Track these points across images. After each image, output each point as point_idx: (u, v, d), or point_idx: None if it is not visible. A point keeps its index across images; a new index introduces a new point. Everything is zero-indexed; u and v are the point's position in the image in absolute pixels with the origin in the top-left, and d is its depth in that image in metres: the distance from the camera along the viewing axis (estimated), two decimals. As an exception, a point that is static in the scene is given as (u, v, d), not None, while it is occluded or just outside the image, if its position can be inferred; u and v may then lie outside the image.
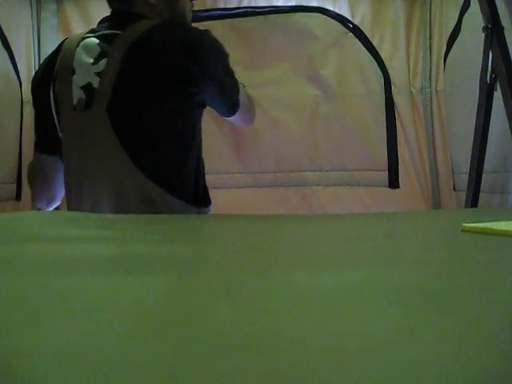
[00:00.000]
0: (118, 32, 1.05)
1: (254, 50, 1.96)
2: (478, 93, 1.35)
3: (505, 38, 1.25)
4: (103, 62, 1.01)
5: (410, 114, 1.96)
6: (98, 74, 1.01)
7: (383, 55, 1.95)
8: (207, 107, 1.18)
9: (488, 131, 1.33)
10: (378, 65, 1.95)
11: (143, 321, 0.20)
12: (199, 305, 0.22)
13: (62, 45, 1.13)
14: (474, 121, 1.36)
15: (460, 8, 1.67)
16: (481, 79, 1.32)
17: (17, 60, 1.75)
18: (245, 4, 1.99)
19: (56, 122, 1.08)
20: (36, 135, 1.19)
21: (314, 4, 1.97)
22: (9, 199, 1.72)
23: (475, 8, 1.40)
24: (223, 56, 1.15)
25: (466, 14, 1.63)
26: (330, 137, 1.96)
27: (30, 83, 1.22)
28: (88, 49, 1.05)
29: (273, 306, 0.22)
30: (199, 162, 1.10)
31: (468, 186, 1.39)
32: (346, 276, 0.28)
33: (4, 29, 1.68)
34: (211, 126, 1.98)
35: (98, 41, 1.07)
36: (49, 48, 1.84)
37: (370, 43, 1.95)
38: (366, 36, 1.95)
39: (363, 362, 0.16)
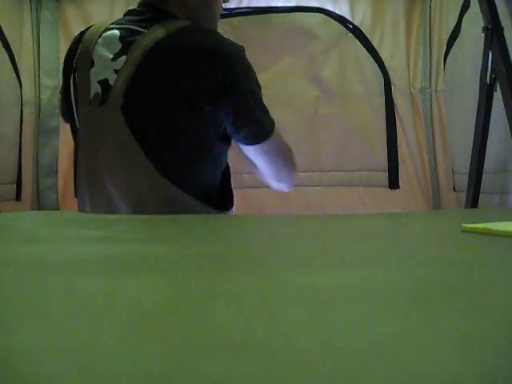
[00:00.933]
0: (143, 30, 1.01)
1: (254, 50, 1.96)
2: (478, 93, 1.35)
3: (504, 39, 1.25)
4: (122, 59, 0.99)
5: (409, 114, 1.96)
6: (116, 72, 0.99)
7: (383, 56, 1.95)
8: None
9: (488, 131, 1.33)
10: (378, 65, 1.95)
11: (143, 321, 0.20)
12: (199, 305, 0.22)
13: (84, 33, 1.09)
14: (474, 121, 1.36)
15: (460, 8, 1.67)
16: (481, 79, 1.32)
17: (17, 60, 1.75)
18: (245, 4, 1.99)
19: (75, 112, 1.06)
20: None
21: (314, 4, 1.97)
22: (9, 199, 1.72)
23: (475, 8, 1.40)
24: (250, 73, 1.07)
25: (466, 15, 1.63)
26: (330, 137, 1.96)
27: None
28: (109, 42, 1.02)
29: (272, 305, 0.22)
30: (218, 164, 1.07)
31: (468, 187, 1.39)
32: (346, 276, 0.28)
33: (4, 29, 1.68)
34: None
35: (119, 35, 1.03)
36: (49, 48, 1.84)
37: (370, 44, 1.95)
38: (365, 36, 1.95)
39: (363, 362, 0.16)
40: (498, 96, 1.28)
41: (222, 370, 0.15)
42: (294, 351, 0.16)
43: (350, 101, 1.97)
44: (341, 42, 1.96)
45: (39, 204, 1.83)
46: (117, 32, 1.03)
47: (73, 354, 0.16)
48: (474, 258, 0.36)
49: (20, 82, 1.77)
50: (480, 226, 0.47)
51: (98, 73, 1.00)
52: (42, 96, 1.83)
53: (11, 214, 0.65)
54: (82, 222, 0.63)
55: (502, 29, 1.26)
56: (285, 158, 1.20)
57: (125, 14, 1.10)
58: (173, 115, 0.98)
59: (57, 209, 1.82)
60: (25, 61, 1.79)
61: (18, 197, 1.77)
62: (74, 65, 1.06)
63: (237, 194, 2.10)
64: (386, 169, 1.98)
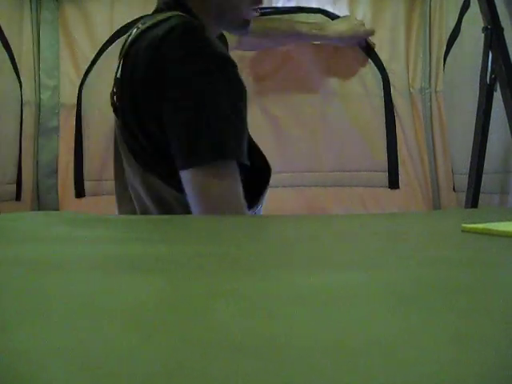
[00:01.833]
0: (139, 26, 0.93)
1: (254, 51, 1.96)
2: (477, 93, 1.35)
3: (504, 39, 1.25)
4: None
5: (409, 114, 1.96)
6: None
7: (382, 56, 1.95)
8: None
9: (488, 132, 1.33)
10: (377, 66, 1.95)
11: (143, 320, 0.20)
12: (199, 305, 0.22)
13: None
14: (474, 121, 1.37)
15: (460, 8, 1.67)
16: (481, 80, 1.32)
17: (17, 60, 1.75)
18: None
19: None
20: None
21: (314, 5, 1.97)
22: (9, 199, 1.72)
23: (475, 8, 1.40)
24: (194, 62, 0.80)
25: (466, 15, 1.63)
26: (329, 138, 1.97)
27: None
28: (124, 41, 0.96)
29: (273, 305, 0.22)
30: None
31: (468, 187, 1.39)
32: (346, 276, 0.28)
33: (4, 29, 1.68)
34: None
35: (133, 31, 0.93)
36: (49, 48, 1.84)
37: (370, 44, 1.95)
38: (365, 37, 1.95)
39: (363, 363, 0.16)
40: (498, 96, 1.28)
41: (222, 369, 0.15)
42: (295, 351, 0.16)
43: (349, 101, 1.97)
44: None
45: (39, 204, 1.83)
46: (134, 30, 0.96)
47: (73, 353, 0.16)
48: (473, 258, 0.36)
49: (20, 82, 1.77)
50: (480, 226, 0.47)
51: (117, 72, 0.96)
52: (42, 96, 1.83)
53: (11, 214, 0.65)
54: (81, 221, 0.63)
55: (502, 29, 1.26)
56: (217, 203, 0.79)
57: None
58: (138, 115, 0.85)
59: (57, 209, 1.82)
60: (25, 61, 1.79)
61: (17, 197, 1.77)
62: None
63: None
64: (386, 169, 1.98)
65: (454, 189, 1.86)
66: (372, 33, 1.83)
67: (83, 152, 1.83)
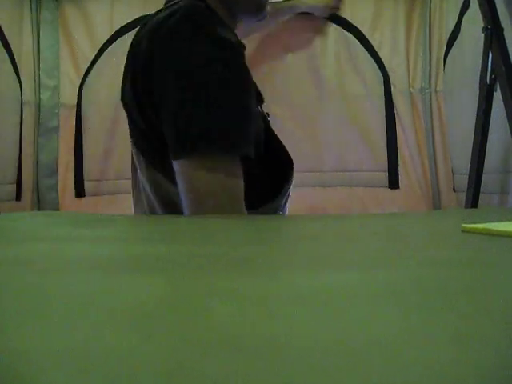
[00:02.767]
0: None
1: (253, 50, 1.97)
2: (478, 93, 1.35)
3: (504, 39, 1.25)
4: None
5: (409, 114, 1.96)
6: None
7: (383, 56, 1.95)
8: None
9: (488, 132, 1.33)
10: (378, 65, 1.95)
11: (143, 320, 0.20)
12: (198, 305, 0.22)
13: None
14: (474, 121, 1.37)
15: (460, 8, 1.67)
16: (481, 80, 1.32)
17: (17, 60, 1.75)
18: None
19: None
20: None
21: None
22: (9, 199, 1.72)
23: (475, 8, 1.40)
24: (176, 58, 0.74)
25: (466, 15, 1.63)
26: (329, 138, 1.97)
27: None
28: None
29: (272, 305, 0.22)
30: None
31: (468, 187, 1.39)
32: (346, 276, 0.28)
33: (4, 29, 1.68)
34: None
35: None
36: (49, 48, 1.84)
37: (370, 44, 1.95)
38: (365, 37, 1.95)
39: (363, 363, 0.16)
40: (498, 96, 1.28)
41: (222, 369, 0.15)
42: (295, 351, 0.16)
43: (349, 101, 1.97)
44: (340, 42, 1.96)
45: (39, 204, 1.83)
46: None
47: (72, 354, 0.16)
48: (473, 258, 0.36)
49: (20, 82, 1.77)
50: (480, 226, 0.47)
51: None
52: (41, 96, 1.83)
53: (11, 214, 0.65)
54: (82, 222, 0.63)
55: (502, 29, 1.26)
56: (208, 206, 0.73)
57: None
58: (139, 108, 0.81)
59: (57, 209, 1.82)
60: (25, 61, 1.79)
61: (18, 197, 1.77)
62: None
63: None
64: (386, 169, 1.98)
65: (454, 189, 1.86)
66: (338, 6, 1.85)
67: (83, 152, 1.83)
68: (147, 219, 0.74)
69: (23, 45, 1.79)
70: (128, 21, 1.79)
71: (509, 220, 0.50)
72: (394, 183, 1.96)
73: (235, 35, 0.83)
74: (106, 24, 1.85)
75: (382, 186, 1.97)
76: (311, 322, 0.19)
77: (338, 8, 1.90)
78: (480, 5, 1.31)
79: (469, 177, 1.39)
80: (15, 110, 1.76)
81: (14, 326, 0.19)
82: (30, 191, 1.82)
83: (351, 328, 0.19)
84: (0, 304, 0.23)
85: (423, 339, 0.17)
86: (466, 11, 1.63)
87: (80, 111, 1.84)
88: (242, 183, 0.76)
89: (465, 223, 0.49)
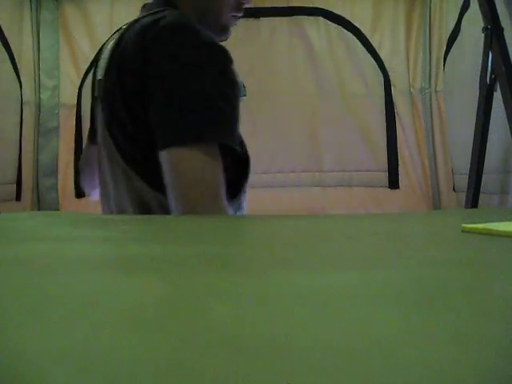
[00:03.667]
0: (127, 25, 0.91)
1: (254, 51, 1.97)
2: (478, 93, 1.35)
3: (504, 39, 1.25)
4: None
5: (409, 114, 1.96)
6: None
7: (383, 56, 1.95)
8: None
9: (488, 131, 1.33)
10: (378, 65, 1.95)
11: (142, 320, 0.20)
12: (198, 305, 0.22)
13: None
14: (474, 121, 1.37)
15: (460, 8, 1.67)
16: (481, 79, 1.32)
17: (17, 60, 1.75)
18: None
19: None
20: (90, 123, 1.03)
21: (315, 5, 1.97)
22: (9, 199, 1.72)
23: (475, 8, 1.40)
24: (171, 53, 0.79)
25: (466, 15, 1.63)
26: (330, 138, 1.97)
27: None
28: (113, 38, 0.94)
29: (272, 305, 0.22)
30: None
31: (468, 187, 1.39)
32: (346, 276, 0.28)
33: (4, 29, 1.68)
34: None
35: (124, 27, 0.92)
36: (49, 48, 1.85)
37: (370, 44, 1.95)
38: (365, 37, 1.95)
39: (363, 363, 0.16)
40: (498, 96, 1.28)
41: (222, 369, 0.15)
42: (295, 351, 0.16)
43: (349, 101, 1.97)
44: (341, 42, 1.97)
45: (39, 204, 1.83)
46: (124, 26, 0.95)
47: (72, 354, 0.16)
48: (473, 258, 0.36)
49: (20, 82, 1.77)
50: (480, 226, 0.47)
51: (99, 72, 0.95)
52: (41, 96, 1.83)
53: (11, 214, 0.65)
54: (81, 221, 0.63)
55: (502, 29, 1.26)
56: (193, 195, 0.75)
57: None
58: (120, 110, 0.82)
59: (57, 209, 1.82)
60: (25, 61, 1.79)
61: (18, 197, 1.77)
62: None
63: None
64: (386, 169, 1.98)
65: (454, 189, 1.86)
66: None
67: (83, 152, 1.83)
68: (146, 219, 0.74)
69: (23, 45, 1.79)
70: (128, 21, 1.79)
71: (509, 220, 0.50)
72: (393, 183, 1.96)
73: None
74: (106, 24, 1.85)
75: (382, 186, 1.97)
76: (311, 322, 0.19)
77: None
78: (480, 5, 1.31)
79: (469, 177, 1.39)
80: (15, 110, 1.76)
81: (14, 326, 0.19)
82: (30, 191, 1.82)
83: (351, 328, 0.19)
84: (0, 304, 0.23)
85: (423, 339, 0.17)
86: (466, 11, 1.63)
87: (80, 111, 1.84)
88: (222, 171, 0.79)
89: (465, 223, 0.49)
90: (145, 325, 0.19)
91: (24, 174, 1.80)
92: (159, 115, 0.78)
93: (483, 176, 1.36)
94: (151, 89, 0.78)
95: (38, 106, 1.83)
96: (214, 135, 0.78)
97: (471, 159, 1.39)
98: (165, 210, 0.81)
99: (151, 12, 0.89)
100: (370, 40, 1.95)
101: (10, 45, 1.71)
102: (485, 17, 1.29)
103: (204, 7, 0.93)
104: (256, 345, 0.17)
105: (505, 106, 1.24)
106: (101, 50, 1.03)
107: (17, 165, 1.78)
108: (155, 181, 0.79)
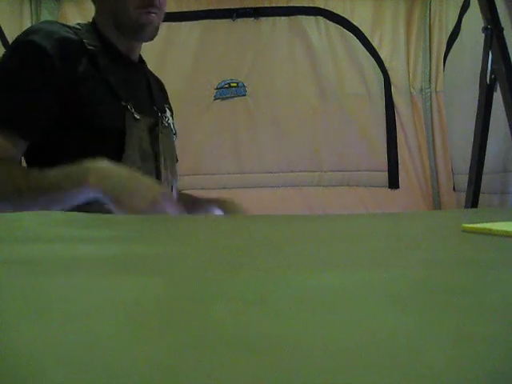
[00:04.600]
0: None
1: (254, 51, 1.97)
2: (478, 93, 1.35)
3: (504, 39, 1.25)
4: None
5: (409, 114, 1.96)
6: None
7: (383, 56, 1.95)
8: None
9: (488, 131, 1.33)
10: (378, 65, 1.95)
11: (142, 320, 0.20)
12: (197, 305, 0.22)
13: None
14: (474, 121, 1.37)
15: (460, 8, 1.67)
16: (481, 79, 1.32)
17: (17, 60, 1.75)
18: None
19: None
20: None
21: (315, 5, 1.97)
22: None
23: (475, 8, 1.40)
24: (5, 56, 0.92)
25: (466, 15, 1.63)
26: (329, 137, 1.97)
27: None
28: None
29: (272, 306, 0.22)
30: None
31: (468, 187, 1.39)
32: (346, 276, 0.28)
33: (4, 29, 1.68)
34: (209, 125, 1.98)
35: None
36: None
37: (370, 44, 1.95)
38: (365, 37, 1.95)
39: (363, 363, 0.16)
40: (498, 96, 1.28)
41: (222, 369, 0.15)
42: (294, 351, 0.16)
43: (349, 101, 1.97)
44: (341, 42, 1.97)
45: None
46: None
47: (72, 354, 0.16)
48: (473, 258, 0.36)
49: (20, 82, 1.77)
50: (480, 226, 0.47)
51: None
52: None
53: (11, 214, 0.65)
54: (81, 222, 0.63)
55: (502, 29, 1.26)
56: None
57: None
58: None
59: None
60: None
61: None
62: None
63: (236, 194, 2.10)
64: (386, 169, 1.98)
65: (454, 189, 1.86)
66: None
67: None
68: (146, 219, 0.74)
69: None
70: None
71: (509, 220, 0.50)
72: (393, 183, 1.96)
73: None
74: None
75: (381, 186, 1.97)
76: (311, 322, 0.19)
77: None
78: (480, 5, 1.31)
79: (469, 177, 1.39)
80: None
81: (13, 326, 0.19)
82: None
83: (351, 328, 0.19)
84: (0, 304, 0.23)
85: (423, 339, 0.17)
86: (465, 11, 1.63)
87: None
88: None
89: (465, 223, 0.49)
90: (144, 325, 0.19)
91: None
92: None
93: (483, 176, 1.36)
94: None
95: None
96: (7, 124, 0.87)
97: (471, 159, 1.39)
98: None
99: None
100: (370, 40, 1.95)
101: (10, 45, 1.71)
102: (485, 17, 1.29)
103: (111, 9, 0.99)
104: (256, 345, 0.17)
105: (505, 106, 1.24)
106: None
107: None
108: None
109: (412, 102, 1.97)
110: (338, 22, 1.96)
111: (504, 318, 0.20)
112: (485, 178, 1.37)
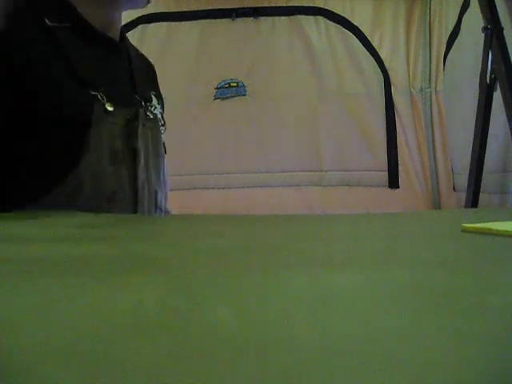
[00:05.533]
0: None
1: (254, 51, 1.97)
2: (478, 93, 1.35)
3: (504, 39, 1.25)
4: None
5: (409, 114, 1.96)
6: None
7: (383, 56, 1.95)
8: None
9: (488, 131, 1.33)
10: (378, 65, 1.95)
11: (141, 321, 0.20)
12: (198, 305, 0.22)
13: None
14: (474, 121, 1.37)
15: (460, 8, 1.67)
16: (480, 79, 1.32)
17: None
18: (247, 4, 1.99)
19: None
20: None
21: (315, 5, 1.97)
22: None
23: (475, 8, 1.40)
24: None
25: (466, 15, 1.63)
26: (329, 137, 1.97)
27: None
28: None
29: (272, 305, 0.22)
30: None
31: (468, 186, 1.39)
32: (346, 276, 0.28)
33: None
34: (209, 124, 1.98)
35: None
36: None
37: (370, 44, 1.95)
38: (365, 36, 1.95)
39: (362, 363, 0.16)
40: (498, 96, 1.28)
41: (222, 369, 0.15)
42: (295, 351, 0.16)
43: (349, 100, 1.97)
44: (341, 41, 1.97)
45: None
46: None
47: (72, 354, 0.16)
48: (473, 258, 0.36)
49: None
50: (480, 225, 0.47)
51: None
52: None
53: (11, 214, 0.65)
54: (81, 221, 0.63)
55: (502, 29, 1.26)
56: None
57: None
58: None
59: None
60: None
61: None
62: None
63: (237, 194, 2.10)
64: (386, 169, 1.98)
65: (454, 189, 1.86)
66: None
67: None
68: (146, 219, 0.74)
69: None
70: (128, 20, 1.79)
71: (509, 220, 0.50)
72: (393, 183, 1.96)
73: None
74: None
75: (381, 186, 1.97)
76: (311, 322, 0.19)
77: None
78: (480, 5, 1.31)
79: (469, 177, 1.39)
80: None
81: (13, 326, 0.19)
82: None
83: (351, 328, 0.19)
84: (0, 304, 0.23)
85: (423, 339, 0.17)
86: (465, 11, 1.63)
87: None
88: None
89: (465, 223, 0.49)
90: (144, 325, 0.19)
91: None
92: None
93: (483, 176, 1.36)
94: None
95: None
96: None
97: (471, 159, 1.39)
98: None
99: None
100: (370, 40, 1.95)
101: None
102: (485, 17, 1.29)
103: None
104: (256, 345, 0.17)
105: (505, 106, 1.24)
106: None
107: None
108: None
109: (412, 101, 1.97)
110: (337, 22, 1.96)
111: (504, 319, 0.20)
112: (485, 178, 1.37)
